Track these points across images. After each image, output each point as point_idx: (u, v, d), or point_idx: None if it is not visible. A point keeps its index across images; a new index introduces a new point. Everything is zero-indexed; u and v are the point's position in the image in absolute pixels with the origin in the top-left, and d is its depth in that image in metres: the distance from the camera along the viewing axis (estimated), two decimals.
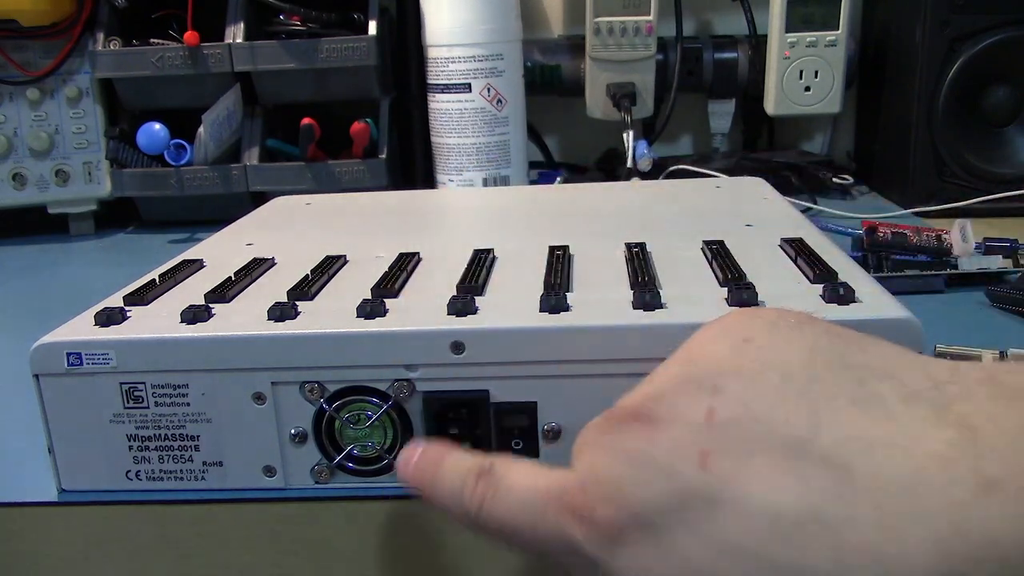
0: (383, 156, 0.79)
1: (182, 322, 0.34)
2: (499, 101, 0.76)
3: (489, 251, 0.42)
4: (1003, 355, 0.39)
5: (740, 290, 0.33)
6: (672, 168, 0.83)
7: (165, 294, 0.39)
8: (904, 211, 0.75)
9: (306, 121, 0.76)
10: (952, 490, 0.18)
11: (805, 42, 0.80)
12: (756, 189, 0.57)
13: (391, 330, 0.33)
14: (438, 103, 0.77)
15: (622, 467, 0.23)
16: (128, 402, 0.34)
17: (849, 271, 0.36)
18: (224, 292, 0.37)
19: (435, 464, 0.28)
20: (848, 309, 0.32)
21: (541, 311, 0.33)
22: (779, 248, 0.41)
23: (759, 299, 0.33)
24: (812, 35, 0.80)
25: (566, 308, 0.33)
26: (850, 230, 0.63)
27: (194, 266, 0.43)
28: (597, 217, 0.52)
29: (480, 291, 0.36)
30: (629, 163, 0.80)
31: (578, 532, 0.23)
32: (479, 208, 0.59)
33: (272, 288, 0.39)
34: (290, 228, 0.52)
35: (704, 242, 0.41)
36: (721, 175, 0.74)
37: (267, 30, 0.80)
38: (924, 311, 0.31)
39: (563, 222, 0.50)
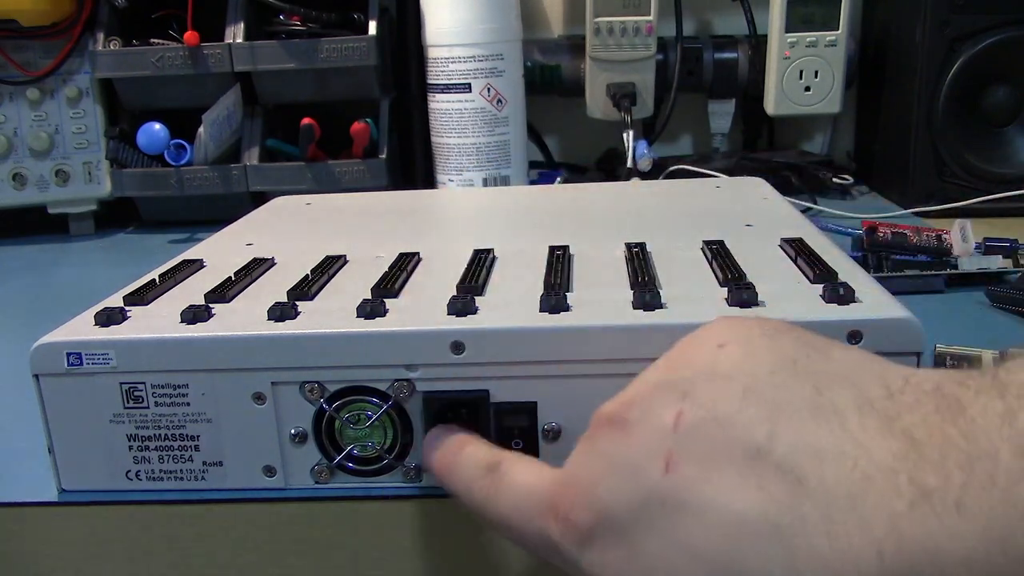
0: (383, 156, 0.79)
1: (182, 322, 0.34)
2: (499, 101, 0.76)
3: (489, 251, 0.42)
4: (1003, 355, 0.39)
5: (740, 290, 0.33)
6: (672, 168, 0.83)
7: (165, 294, 0.39)
8: (904, 211, 0.75)
9: (306, 121, 0.76)
10: (893, 501, 0.18)
11: (805, 42, 0.80)
12: (756, 189, 0.57)
13: (391, 330, 0.33)
14: (438, 103, 0.77)
15: (595, 470, 0.23)
16: (128, 402, 0.34)
17: (849, 271, 0.36)
18: (224, 292, 0.37)
19: (454, 453, 0.30)
20: (848, 309, 0.32)
21: (541, 311, 0.33)
22: (779, 248, 0.41)
23: (759, 299, 0.33)
24: (812, 35, 0.80)
25: (566, 308, 0.33)
26: (850, 230, 0.63)
27: (194, 266, 0.43)
28: (597, 217, 0.52)
29: (480, 291, 0.36)
30: (629, 163, 0.80)
31: (556, 532, 0.24)
32: (479, 208, 0.59)
33: (272, 288, 0.38)
34: (290, 228, 0.52)
35: (704, 242, 0.41)
36: (721, 175, 0.74)
37: (267, 30, 0.80)
38: (924, 311, 0.31)
39: (563, 222, 0.50)
